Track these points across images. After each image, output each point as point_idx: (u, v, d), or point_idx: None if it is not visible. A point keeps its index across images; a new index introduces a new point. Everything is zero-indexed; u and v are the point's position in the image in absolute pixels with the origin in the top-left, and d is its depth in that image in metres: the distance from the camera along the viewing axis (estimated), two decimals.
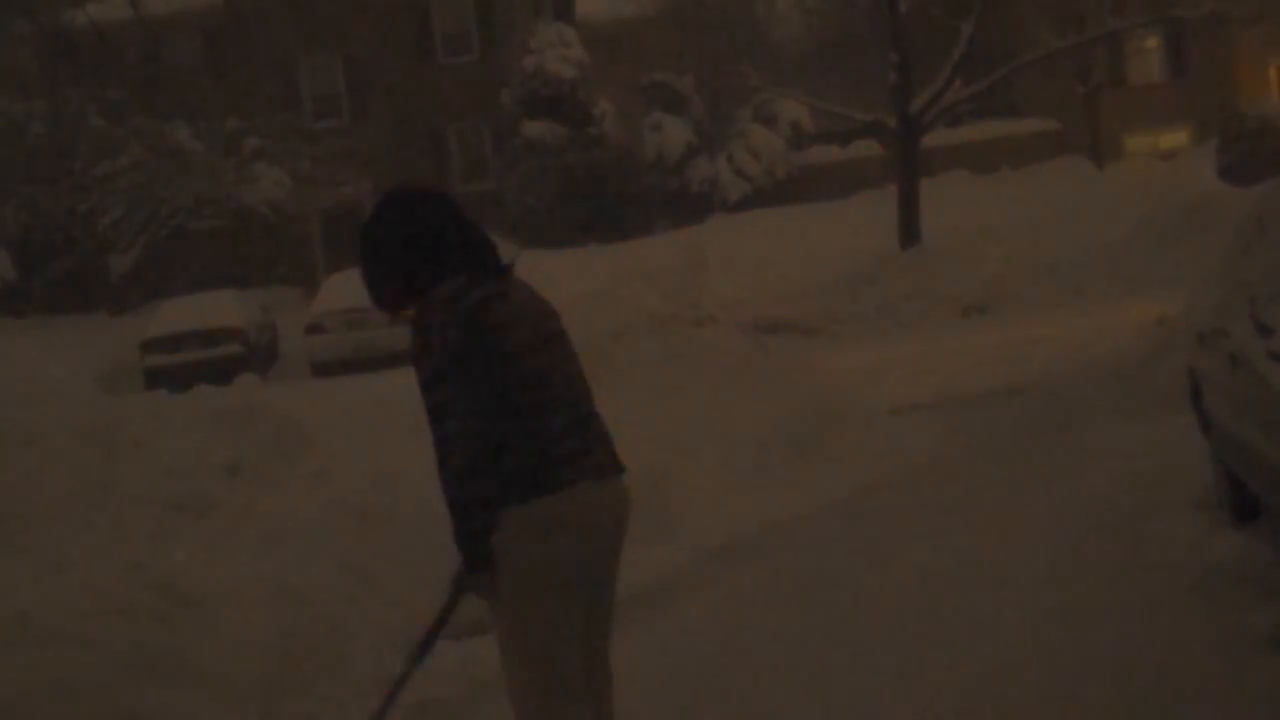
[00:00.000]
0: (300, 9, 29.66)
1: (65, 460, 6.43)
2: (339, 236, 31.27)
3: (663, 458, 8.86)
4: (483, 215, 33.73)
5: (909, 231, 21.97)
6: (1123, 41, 30.81)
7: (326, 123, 31.52)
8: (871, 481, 9.17)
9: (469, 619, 6.34)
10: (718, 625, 6.22)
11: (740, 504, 8.55)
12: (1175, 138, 33.15)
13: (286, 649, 5.39)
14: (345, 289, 22.38)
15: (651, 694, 5.34)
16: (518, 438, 3.43)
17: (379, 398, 11.89)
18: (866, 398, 12.22)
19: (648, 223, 29.94)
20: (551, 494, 3.44)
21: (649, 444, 9.08)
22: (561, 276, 21.41)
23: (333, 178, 29.57)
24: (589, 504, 3.51)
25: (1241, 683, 4.41)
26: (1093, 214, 22.25)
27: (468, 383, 3.41)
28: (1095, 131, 32.45)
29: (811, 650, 5.56)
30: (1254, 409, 4.88)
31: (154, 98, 29.25)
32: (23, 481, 6.15)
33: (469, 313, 3.47)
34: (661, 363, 11.18)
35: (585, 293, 16.12)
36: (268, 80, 29.86)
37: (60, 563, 5.51)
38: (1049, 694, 4.70)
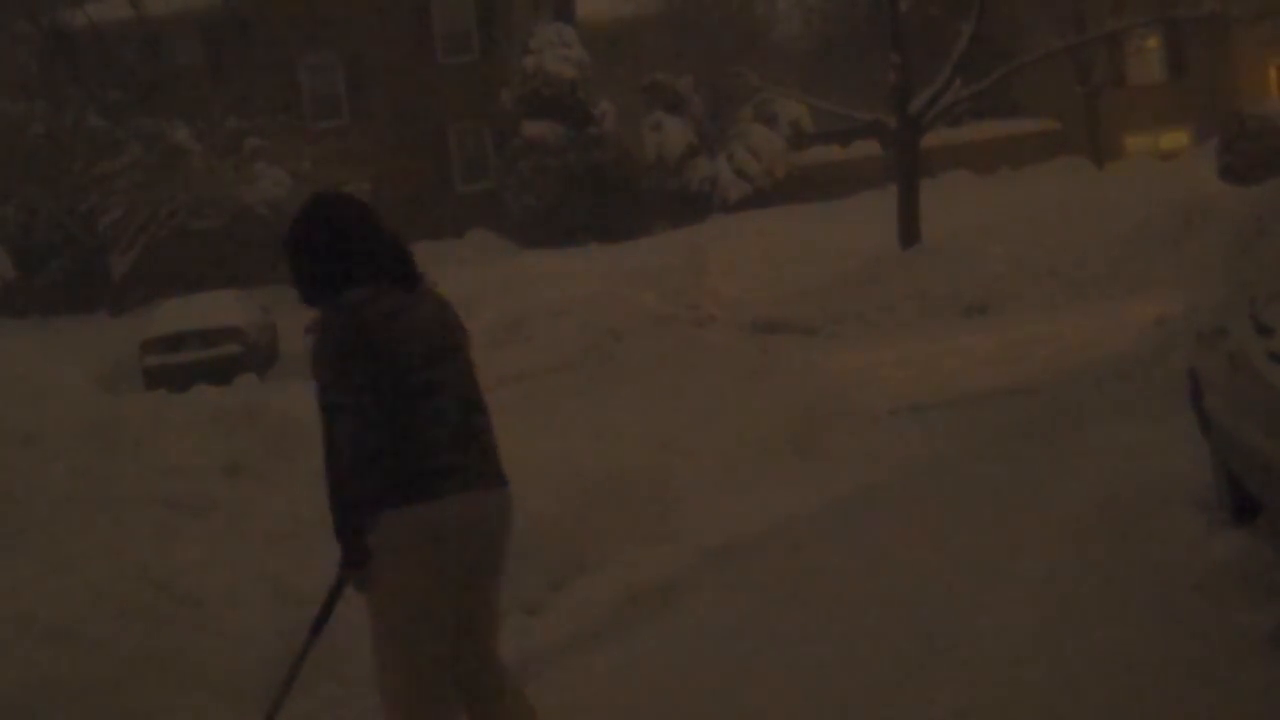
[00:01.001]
0: (300, 9, 29.66)
1: (65, 460, 6.42)
2: None
3: (663, 458, 8.87)
4: (483, 215, 33.67)
5: (909, 231, 21.96)
6: (1123, 41, 30.80)
7: (326, 123, 31.51)
8: (871, 481, 9.17)
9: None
10: (718, 625, 6.21)
11: (740, 504, 8.55)
12: (1175, 138, 33.14)
13: (286, 649, 5.39)
14: None
15: (651, 694, 5.34)
16: (400, 445, 3.58)
17: None
18: (866, 398, 12.22)
19: (648, 223, 29.94)
20: (427, 502, 3.59)
21: (649, 444, 9.10)
22: (561, 276, 21.44)
23: (333, 178, 29.55)
24: (464, 514, 3.65)
25: (1241, 683, 4.41)
26: (1093, 214, 22.24)
27: (356, 388, 3.56)
28: (1095, 131, 32.45)
29: (812, 650, 5.56)
30: (1254, 409, 4.88)
31: (154, 98, 29.26)
32: (23, 481, 6.14)
33: (366, 323, 3.62)
34: (661, 363, 11.19)
35: (585, 293, 16.20)
36: (268, 80, 29.84)
37: (60, 563, 5.51)
38: (1049, 693, 4.70)
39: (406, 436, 3.60)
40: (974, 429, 10.63)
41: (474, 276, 24.52)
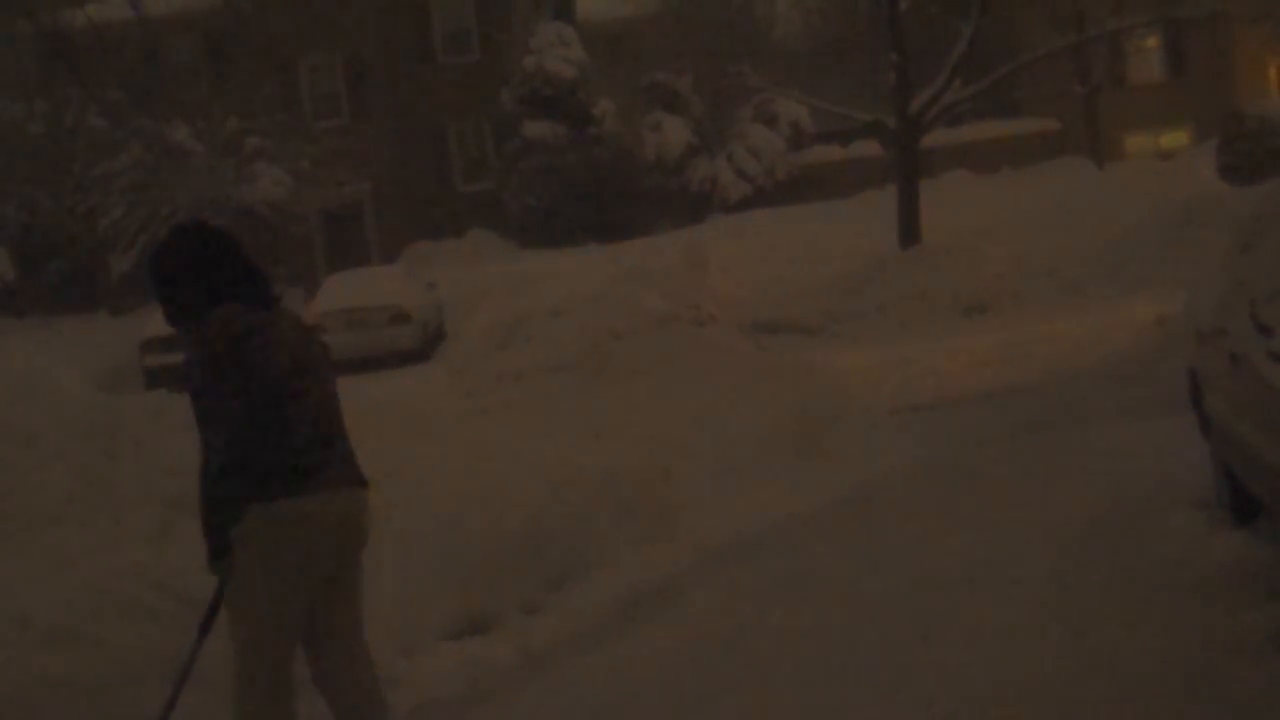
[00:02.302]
0: (300, 9, 29.64)
1: (65, 460, 6.42)
2: (339, 236, 31.29)
3: (663, 458, 8.88)
4: (483, 215, 33.59)
5: (909, 231, 21.95)
6: (1123, 41, 30.79)
7: (326, 123, 31.50)
8: (871, 481, 9.17)
9: (469, 619, 6.36)
10: (718, 625, 6.21)
11: (740, 504, 8.55)
12: (1175, 138, 33.15)
13: None
14: (345, 289, 22.40)
15: (652, 694, 5.34)
16: (266, 447, 3.96)
17: (378, 397, 11.89)
18: (866, 398, 12.23)
19: (648, 223, 29.94)
20: (291, 497, 3.99)
21: (649, 444, 9.11)
22: (561, 276, 21.43)
23: (333, 178, 29.57)
24: (323, 509, 4.05)
25: (1241, 683, 4.41)
26: (1093, 214, 22.24)
27: (227, 396, 3.93)
28: (1095, 131, 32.46)
29: (811, 650, 5.56)
30: (1254, 409, 4.88)
31: (154, 98, 29.24)
32: (23, 481, 6.14)
33: (235, 337, 3.98)
34: (661, 363, 11.19)
35: (585, 293, 16.17)
36: (268, 80, 29.84)
37: (60, 563, 5.51)
38: (1049, 693, 4.70)
39: (275, 439, 3.97)
40: (974, 429, 10.63)
41: (474, 276, 24.57)
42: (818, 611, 6.13)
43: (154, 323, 22.54)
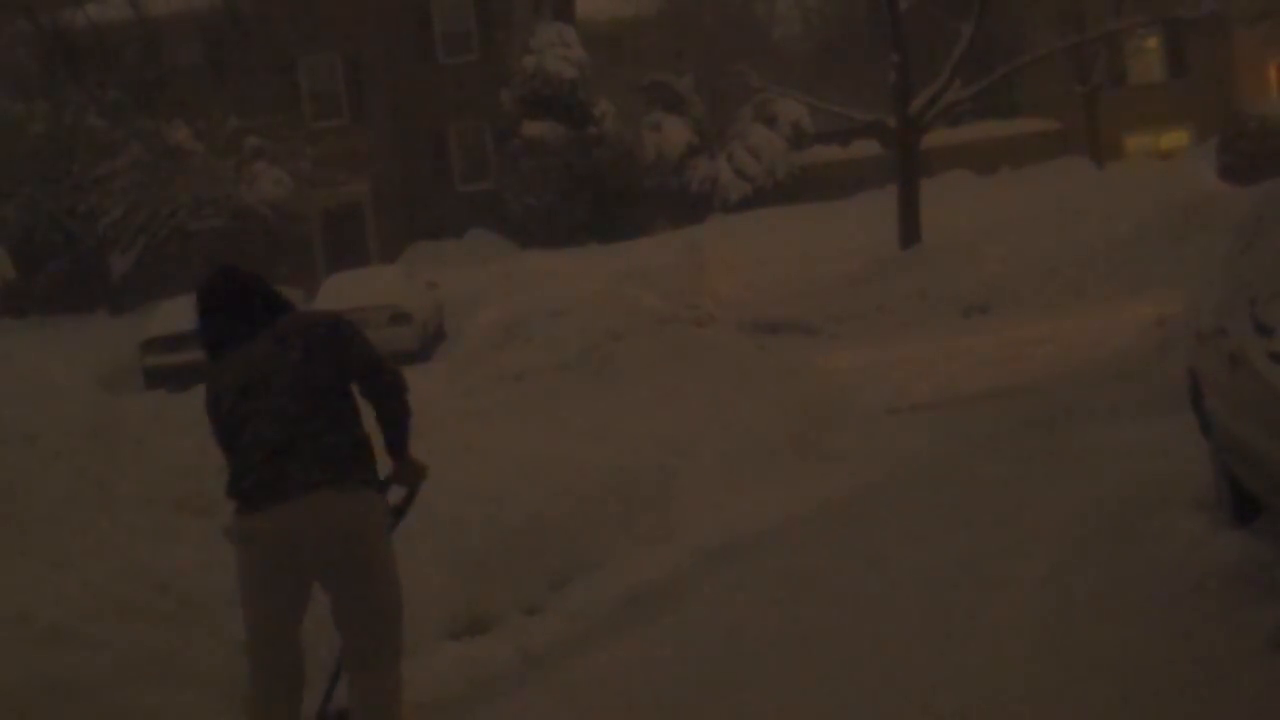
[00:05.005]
0: (300, 9, 29.63)
1: (65, 460, 6.41)
2: (339, 236, 31.28)
3: (663, 458, 8.87)
4: (483, 215, 33.53)
5: (909, 231, 21.95)
6: (1123, 41, 30.79)
7: (326, 123, 31.49)
8: (871, 481, 9.17)
9: (469, 619, 6.36)
10: (718, 625, 6.21)
11: (740, 504, 8.55)
12: (1175, 138, 33.13)
13: None
14: (345, 289, 22.37)
15: (652, 694, 5.34)
16: (231, 467, 4.41)
17: None
18: (866, 398, 12.22)
19: (648, 223, 29.93)
20: (247, 513, 4.34)
21: (649, 444, 9.10)
22: (561, 276, 21.42)
23: (333, 178, 29.55)
24: (273, 526, 4.29)
25: (1241, 683, 4.41)
26: (1093, 214, 22.22)
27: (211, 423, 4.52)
28: (1095, 131, 32.44)
29: (811, 650, 5.56)
30: (1254, 409, 4.88)
31: (154, 98, 29.23)
32: (23, 481, 6.13)
33: (209, 375, 4.54)
34: (661, 363, 11.18)
35: (585, 293, 16.14)
36: (268, 80, 29.82)
37: (60, 563, 5.50)
38: (1049, 693, 4.70)
39: (231, 460, 4.41)
40: (974, 429, 10.62)
41: (474, 276, 24.56)
42: (818, 611, 6.13)
43: (154, 323, 22.54)
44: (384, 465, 4.66)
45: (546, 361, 12.80)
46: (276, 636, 4.43)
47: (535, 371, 12.80)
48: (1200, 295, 8.19)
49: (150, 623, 5.29)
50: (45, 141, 28.56)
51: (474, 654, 5.99)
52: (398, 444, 4.61)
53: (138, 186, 28.48)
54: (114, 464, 6.51)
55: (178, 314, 22.39)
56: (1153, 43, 32.84)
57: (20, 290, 27.07)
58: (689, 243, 24.43)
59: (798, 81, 30.65)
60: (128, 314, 26.54)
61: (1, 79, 29.79)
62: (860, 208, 26.71)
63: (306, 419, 4.35)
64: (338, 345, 4.48)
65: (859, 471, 9.47)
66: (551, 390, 10.95)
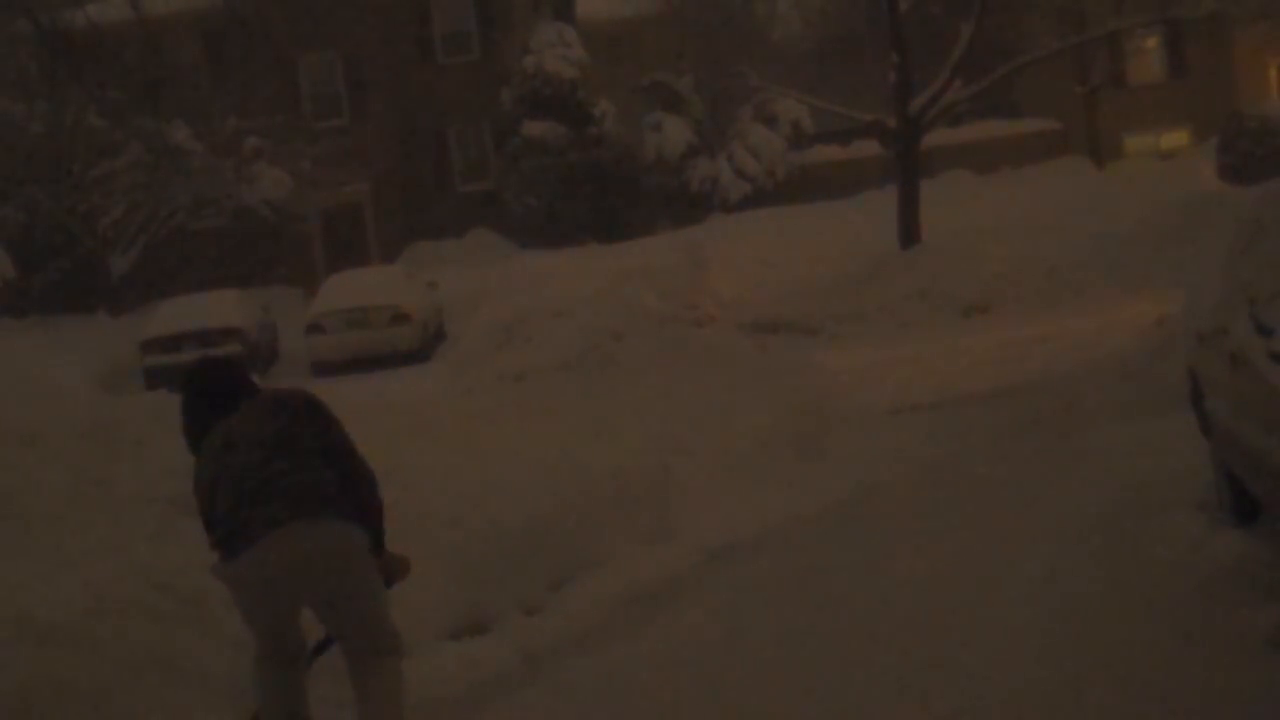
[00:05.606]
0: (300, 9, 29.62)
1: (65, 460, 6.42)
2: (339, 236, 31.26)
3: (663, 458, 8.87)
4: (483, 215, 33.45)
5: (909, 231, 21.93)
6: (1123, 41, 30.77)
7: (326, 123, 31.45)
8: (871, 481, 9.18)
9: (469, 619, 6.36)
10: (718, 625, 6.21)
11: (740, 504, 8.55)
12: (1175, 138, 33.11)
13: None
14: (345, 289, 22.38)
15: (652, 694, 5.34)
16: (214, 520, 4.58)
17: (378, 397, 11.89)
18: (866, 398, 12.23)
19: (648, 223, 29.91)
20: (229, 560, 4.51)
21: (649, 443, 9.10)
22: (561, 276, 21.42)
23: (333, 178, 29.53)
24: (249, 569, 4.46)
25: (1241, 683, 4.41)
26: (1093, 214, 22.23)
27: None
28: (1095, 131, 32.43)
29: (811, 650, 5.56)
30: (1254, 409, 4.88)
31: (154, 98, 29.21)
32: (23, 481, 6.14)
33: (199, 455, 4.70)
34: (661, 363, 11.19)
35: (585, 293, 16.16)
36: (268, 80, 29.80)
37: (60, 563, 5.51)
38: (1049, 693, 4.70)
39: (213, 515, 4.57)
40: (974, 429, 10.63)
41: (474, 276, 24.55)
42: (818, 611, 6.13)
43: (154, 323, 22.55)
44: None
45: (546, 361, 12.82)
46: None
47: (535, 371, 12.82)
48: (1200, 295, 8.20)
49: (150, 623, 5.29)
50: (45, 141, 28.52)
51: (474, 654, 5.99)
52: (374, 538, 4.72)
53: (138, 186, 28.46)
54: (114, 464, 6.51)
55: (178, 314, 22.47)
56: (1153, 43, 32.82)
57: (20, 290, 27.06)
58: (689, 243, 24.42)
59: (798, 81, 30.66)
60: (127, 314, 26.50)
61: (1, 79, 29.75)
62: (860, 208, 26.69)
63: (274, 463, 4.53)
64: (318, 421, 4.69)
65: (859, 471, 9.48)
66: (551, 390, 10.96)
